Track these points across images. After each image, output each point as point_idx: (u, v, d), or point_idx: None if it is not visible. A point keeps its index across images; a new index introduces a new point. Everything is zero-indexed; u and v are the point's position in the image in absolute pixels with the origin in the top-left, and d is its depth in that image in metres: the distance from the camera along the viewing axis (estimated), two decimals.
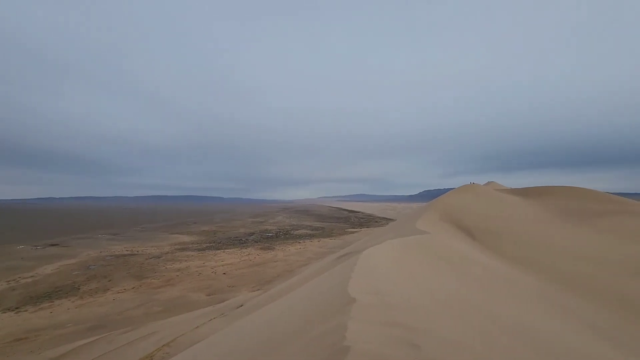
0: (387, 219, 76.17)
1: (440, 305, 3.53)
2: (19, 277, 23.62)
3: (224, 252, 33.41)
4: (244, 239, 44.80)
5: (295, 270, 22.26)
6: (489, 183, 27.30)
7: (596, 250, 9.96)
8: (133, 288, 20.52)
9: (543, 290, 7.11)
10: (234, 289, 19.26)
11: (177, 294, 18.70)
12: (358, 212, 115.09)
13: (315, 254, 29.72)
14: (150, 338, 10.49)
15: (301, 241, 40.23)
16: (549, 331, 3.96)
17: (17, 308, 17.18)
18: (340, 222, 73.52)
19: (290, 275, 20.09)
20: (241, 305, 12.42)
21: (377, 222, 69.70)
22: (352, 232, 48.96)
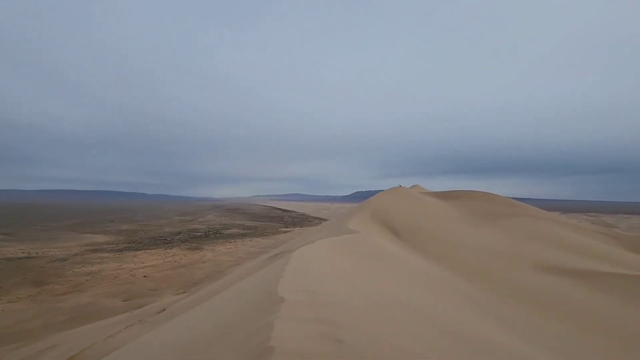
0: (320, 218, 77.67)
1: (367, 301, 3.65)
2: None
3: (145, 252, 30.67)
4: (169, 239, 41.69)
5: (225, 270, 21.39)
6: (414, 186, 29.45)
7: (502, 248, 11.36)
8: (30, 296, 17.66)
9: (458, 284, 7.86)
10: (156, 292, 17.76)
11: (87, 301, 16.60)
12: (292, 211, 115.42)
13: (246, 253, 28.95)
14: (49, 353, 9.13)
15: (232, 241, 38.84)
16: (463, 322, 4.37)
17: None
18: (274, 221, 72.92)
19: (219, 276, 19.24)
20: (163, 310, 11.50)
21: (310, 221, 70.63)
22: (286, 232, 48.88)
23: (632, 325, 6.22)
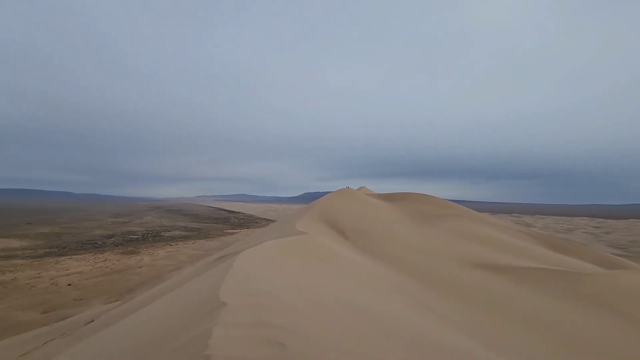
0: (268, 219, 76.56)
1: (313, 303, 3.63)
2: None
3: (71, 258, 27.57)
4: (100, 242, 38.00)
5: (165, 275, 20.03)
6: (361, 188, 30.35)
7: (440, 247, 12.14)
8: None
9: (401, 283, 8.21)
10: (83, 302, 16.02)
11: None
12: (238, 212, 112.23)
13: (189, 257, 27.44)
14: None
15: (173, 243, 36.56)
16: (406, 320, 4.54)
17: None
18: (219, 222, 70.23)
19: (158, 281, 17.97)
20: (91, 321, 10.41)
21: (257, 222, 69.28)
22: (232, 233, 47.33)
23: (547, 313, 7.00)
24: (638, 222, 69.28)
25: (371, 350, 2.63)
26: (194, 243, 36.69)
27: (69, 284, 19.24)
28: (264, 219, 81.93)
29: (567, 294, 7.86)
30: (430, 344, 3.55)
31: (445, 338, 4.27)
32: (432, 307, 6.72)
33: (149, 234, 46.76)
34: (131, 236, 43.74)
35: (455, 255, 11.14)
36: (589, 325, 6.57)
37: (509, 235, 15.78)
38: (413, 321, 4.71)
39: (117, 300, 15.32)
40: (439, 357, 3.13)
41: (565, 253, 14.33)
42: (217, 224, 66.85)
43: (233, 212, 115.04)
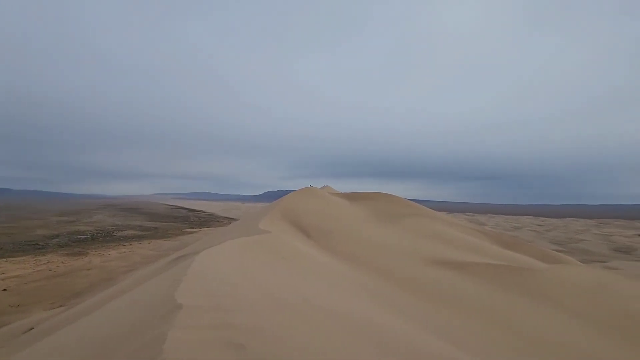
0: (230, 218, 74.74)
1: (275, 302, 3.57)
2: None
3: (7, 261, 25.05)
4: (42, 243, 34.93)
5: (117, 277, 18.82)
6: (324, 187, 30.54)
7: (401, 245, 12.52)
8: None
9: (365, 281, 8.35)
10: (21, 309, 14.61)
11: None
12: (199, 211, 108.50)
13: (144, 257, 26.04)
14: None
15: (127, 244, 34.48)
16: (371, 318, 4.61)
17: None
18: (178, 221, 67.44)
19: (109, 284, 16.85)
20: (31, 329, 9.51)
21: (219, 221, 67.40)
22: (191, 233, 45.64)
23: (498, 305, 7.49)
24: (574, 221, 76.19)
25: (337, 350, 2.63)
26: (149, 243, 34.83)
27: (5, 289, 17.45)
28: (226, 217, 79.90)
29: (514, 287, 8.44)
30: (395, 342, 3.63)
31: (409, 333, 4.39)
32: (396, 305, 6.91)
33: (99, 233, 43.73)
34: (79, 236, 40.62)
35: (417, 253, 11.54)
36: (533, 316, 7.10)
37: (465, 233, 16.66)
38: (378, 319, 4.79)
39: (61, 306, 14.12)
40: (405, 356, 3.20)
41: (513, 249, 15.40)
42: (175, 223, 64.12)
43: (193, 210, 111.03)
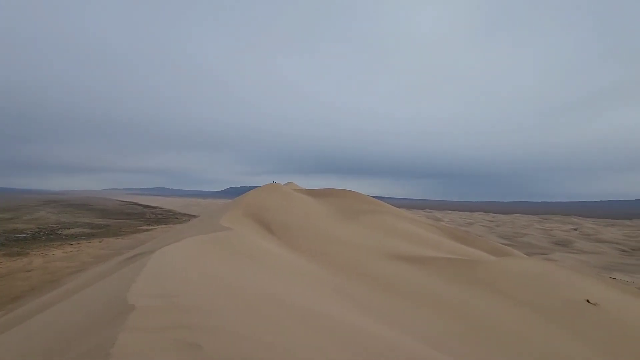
0: (189, 215, 72.07)
1: (237, 300, 3.49)
2: None
3: None
4: None
5: (63, 279, 17.44)
6: (288, 183, 30.40)
7: (364, 241, 12.80)
8: None
9: (328, 277, 8.44)
10: None
11: None
12: (156, 207, 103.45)
13: (94, 257, 24.34)
14: None
15: (74, 242, 31.97)
16: (332, 313, 4.65)
17: None
18: (133, 218, 63.82)
19: (54, 286, 15.57)
20: None
21: (178, 218, 64.72)
22: (147, 230, 43.40)
23: (453, 297, 7.91)
24: (520, 217, 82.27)
25: (301, 347, 2.62)
26: (100, 242, 32.62)
27: None
28: (185, 214, 76.88)
29: (467, 279, 8.96)
30: (357, 336, 3.70)
31: (371, 328, 4.50)
32: (358, 299, 7.05)
33: (41, 232, 40.17)
34: (17, 235, 37.03)
35: (378, 249, 11.86)
36: (483, 306, 7.59)
37: (423, 229, 17.39)
38: (340, 314, 4.86)
39: None
40: (368, 350, 3.27)
41: (466, 244, 16.34)
42: (130, 219, 60.62)
43: (149, 207, 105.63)
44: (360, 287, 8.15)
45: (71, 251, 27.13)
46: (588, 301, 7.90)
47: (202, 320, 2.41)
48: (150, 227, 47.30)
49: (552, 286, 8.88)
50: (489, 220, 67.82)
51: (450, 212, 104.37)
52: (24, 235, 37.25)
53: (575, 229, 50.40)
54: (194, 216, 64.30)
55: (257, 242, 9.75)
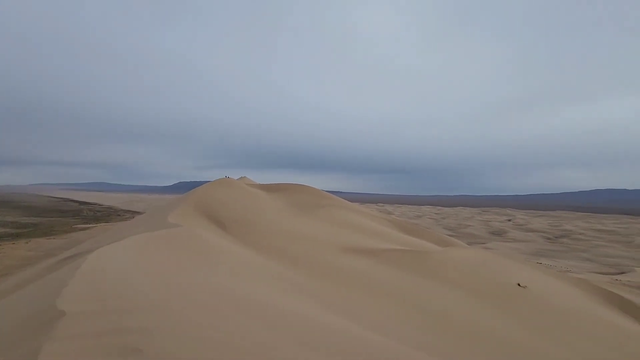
0: (133, 212, 67.43)
1: (185, 300, 3.31)
2: None
3: None
4: None
5: None
6: (242, 178, 29.67)
7: (317, 235, 12.87)
8: None
9: (281, 271, 8.37)
10: None
11: None
12: (94, 204, 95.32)
13: (20, 259, 21.76)
14: None
15: None
16: (288, 308, 4.60)
17: None
18: (67, 216, 58.20)
19: None
20: None
21: (120, 215, 60.24)
22: (85, 229, 39.81)
23: (405, 287, 8.29)
24: (463, 210, 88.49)
25: (254, 345, 2.54)
26: (27, 242, 29.20)
27: None
28: (129, 211, 71.73)
29: (415, 269, 9.44)
30: (315, 331, 3.68)
31: (328, 322, 4.52)
32: (313, 293, 7.08)
33: None
34: None
35: (333, 242, 12.01)
36: (430, 294, 8.06)
37: (375, 222, 17.98)
38: (297, 309, 4.82)
39: None
40: (328, 346, 3.27)
41: (415, 236, 17.20)
42: (64, 217, 55.21)
43: (87, 203, 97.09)
44: (317, 281, 8.21)
45: None
46: (519, 284, 8.81)
47: (143, 323, 2.23)
48: (88, 226, 43.42)
49: (490, 272, 9.73)
50: (436, 213, 72.09)
51: (400, 205, 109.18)
52: None
53: (510, 220, 55.43)
54: (139, 213, 60.19)
55: (208, 239, 9.38)
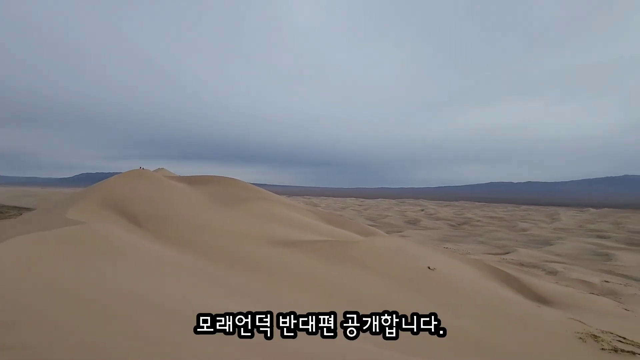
0: (21, 208, 57.29)
1: (76, 307, 2.87)
2: None
3: None
4: None
5: None
6: (159, 169, 27.34)
7: (242, 228, 12.49)
8: None
9: (204, 267, 7.94)
10: None
11: None
12: None
13: None
14: None
15: None
16: (206, 305, 4.33)
17: None
18: None
19: None
20: None
21: (3, 213, 50.75)
22: None
23: (331, 277, 8.58)
24: (383, 201, 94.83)
25: (166, 351, 2.31)
26: None
27: None
28: (15, 207, 60.69)
29: (339, 258, 9.83)
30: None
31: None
32: (235, 286, 6.87)
33: None
34: None
35: (257, 235, 11.78)
36: (352, 281, 8.50)
37: (301, 214, 18.16)
38: (215, 305, 4.58)
39: None
40: (252, 344, 3.13)
41: (340, 226, 17.87)
42: None
43: None
44: (239, 275, 7.99)
45: None
46: (429, 267, 9.86)
47: (26, 338, 1.86)
48: None
49: (405, 258, 10.67)
50: (359, 205, 75.95)
51: (326, 198, 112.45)
52: None
53: (422, 210, 61.23)
54: (28, 209, 51.37)
55: (118, 237, 8.42)
